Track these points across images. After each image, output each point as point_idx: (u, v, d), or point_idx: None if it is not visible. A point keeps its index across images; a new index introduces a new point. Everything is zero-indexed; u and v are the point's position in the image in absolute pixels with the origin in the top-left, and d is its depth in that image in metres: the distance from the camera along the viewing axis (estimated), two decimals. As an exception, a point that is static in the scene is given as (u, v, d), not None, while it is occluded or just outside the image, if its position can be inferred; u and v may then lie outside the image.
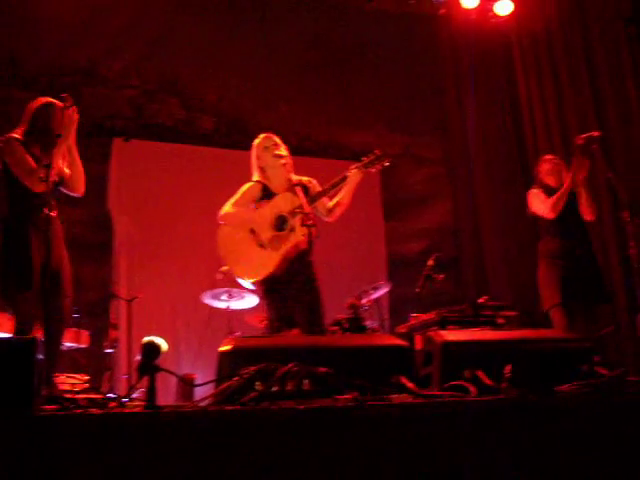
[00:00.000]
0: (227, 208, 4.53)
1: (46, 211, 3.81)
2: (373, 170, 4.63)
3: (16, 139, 4.04)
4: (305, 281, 4.40)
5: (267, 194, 4.55)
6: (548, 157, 5.74)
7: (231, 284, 6.10)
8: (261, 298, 4.71)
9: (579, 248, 5.34)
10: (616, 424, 2.02)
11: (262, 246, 4.41)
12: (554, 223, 5.38)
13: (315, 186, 4.63)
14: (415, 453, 1.81)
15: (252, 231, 4.45)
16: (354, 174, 4.55)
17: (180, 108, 8.41)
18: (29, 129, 4.13)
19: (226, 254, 4.51)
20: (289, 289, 4.35)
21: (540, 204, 5.45)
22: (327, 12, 8.66)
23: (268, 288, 4.44)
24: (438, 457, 1.83)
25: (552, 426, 1.96)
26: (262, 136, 4.68)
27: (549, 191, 5.47)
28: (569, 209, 5.37)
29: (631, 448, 1.99)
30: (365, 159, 4.61)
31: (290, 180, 4.50)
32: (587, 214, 5.38)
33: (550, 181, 5.53)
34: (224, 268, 4.83)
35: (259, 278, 4.41)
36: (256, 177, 4.63)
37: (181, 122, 8.40)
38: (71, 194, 4.26)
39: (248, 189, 4.59)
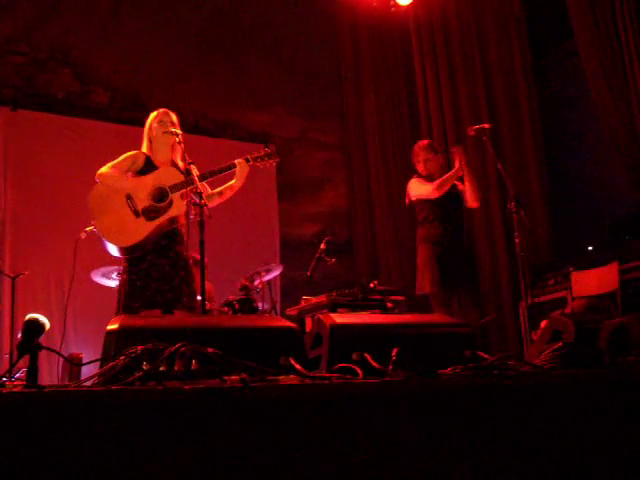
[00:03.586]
0: (105, 169, 4.40)
1: None
2: (260, 165, 4.58)
3: None
4: (175, 259, 4.34)
5: (149, 166, 4.46)
6: (421, 143, 5.87)
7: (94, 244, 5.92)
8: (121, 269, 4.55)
9: (455, 234, 5.51)
10: (496, 406, 2.10)
11: (136, 214, 4.30)
12: (434, 209, 5.52)
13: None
14: (301, 434, 1.83)
15: (128, 197, 4.32)
16: (241, 166, 4.51)
17: (73, 79, 8.10)
18: None
19: (96, 211, 4.34)
20: (155, 266, 4.28)
21: (423, 187, 5.57)
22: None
23: (132, 260, 4.32)
24: (324, 438, 1.86)
25: (434, 407, 2.02)
26: (160, 110, 4.62)
27: (425, 177, 5.63)
28: (449, 196, 5.53)
29: (509, 428, 2.08)
30: (255, 153, 4.58)
31: (176, 161, 4.45)
32: (471, 201, 5.55)
33: (420, 167, 5.67)
34: (89, 228, 4.63)
35: (125, 245, 4.27)
36: (144, 148, 4.54)
37: (74, 94, 8.10)
38: None
39: (131, 155, 4.48)
